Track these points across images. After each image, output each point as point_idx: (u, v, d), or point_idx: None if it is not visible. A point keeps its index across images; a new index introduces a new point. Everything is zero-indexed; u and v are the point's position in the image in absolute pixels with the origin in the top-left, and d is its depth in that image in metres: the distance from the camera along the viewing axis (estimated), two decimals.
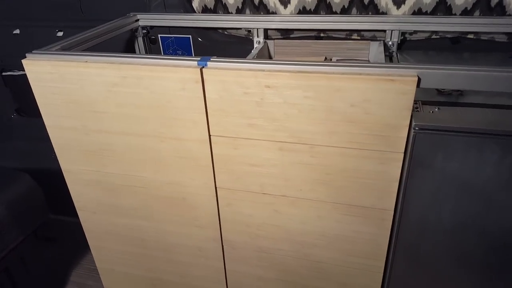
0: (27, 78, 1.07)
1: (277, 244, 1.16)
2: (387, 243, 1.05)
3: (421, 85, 0.85)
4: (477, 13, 1.23)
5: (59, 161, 1.22)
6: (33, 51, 1.06)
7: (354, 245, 1.09)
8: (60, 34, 1.62)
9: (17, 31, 1.67)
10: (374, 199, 0.99)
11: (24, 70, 1.06)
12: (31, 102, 1.14)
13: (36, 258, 1.87)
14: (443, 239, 0.99)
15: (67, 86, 1.06)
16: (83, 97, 1.06)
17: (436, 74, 0.84)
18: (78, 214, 1.33)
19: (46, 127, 1.16)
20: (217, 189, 1.12)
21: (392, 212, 1.00)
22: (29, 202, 1.60)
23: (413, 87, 0.82)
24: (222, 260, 1.27)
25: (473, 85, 0.84)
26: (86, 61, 1.01)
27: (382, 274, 1.12)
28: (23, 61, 1.05)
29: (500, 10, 1.21)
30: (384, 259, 1.08)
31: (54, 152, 1.20)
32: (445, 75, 0.84)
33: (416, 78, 0.82)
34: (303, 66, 0.89)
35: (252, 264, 1.24)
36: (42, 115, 1.14)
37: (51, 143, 1.19)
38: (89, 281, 1.73)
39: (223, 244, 1.23)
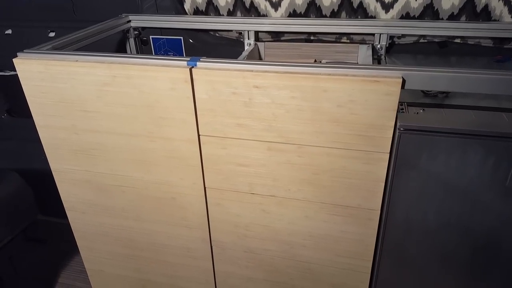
0: (18, 79, 1.07)
1: (265, 245, 1.17)
2: (374, 243, 1.06)
3: (406, 86, 0.86)
4: (463, 18, 1.26)
5: (48, 161, 1.22)
6: (24, 50, 1.07)
7: (341, 245, 1.10)
8: (52, 34, 1.62)
9: (9, 31, 1.67)
10: (360, 199, 1.00)
11: (15, 71, 1.06)
12: (22, 102, 1.14)
13: (24, 258, 1.86)
14: (428, 238, 1.00)
15: (57, 86, 1.06)
16: (73, 97, 1.07)
17: (420, 76, 0.86)
18: (67, 214, 1.33)
19: (36, 126, 1.16)
20: (206, 189, 1.12)
21: (379, 212, 1.01)
22: (18, 201, 1.59)
23: (397, 88, 0.84)
24: (211, 260, 1.27)
25: (455, 87, 0.86)
26: (77, 61, 1.01)
27: (369, 275, 1.13)
28: (14, 60, 1.05)
29: (486, 16, 1.23)
30: (371, 259, 1.09)
31: (44, 154, 1.19)
32: (429, 76, 0.86)
33: (401, 80, 0.84)
34: (290, 67, 0.90)
35: (240, 264, 1.24)
36: (32, 114, 1.14)
37: (41, 144, 1.19)
38: (78, 282, 1.72)
39: (212, 245, 1.23)
